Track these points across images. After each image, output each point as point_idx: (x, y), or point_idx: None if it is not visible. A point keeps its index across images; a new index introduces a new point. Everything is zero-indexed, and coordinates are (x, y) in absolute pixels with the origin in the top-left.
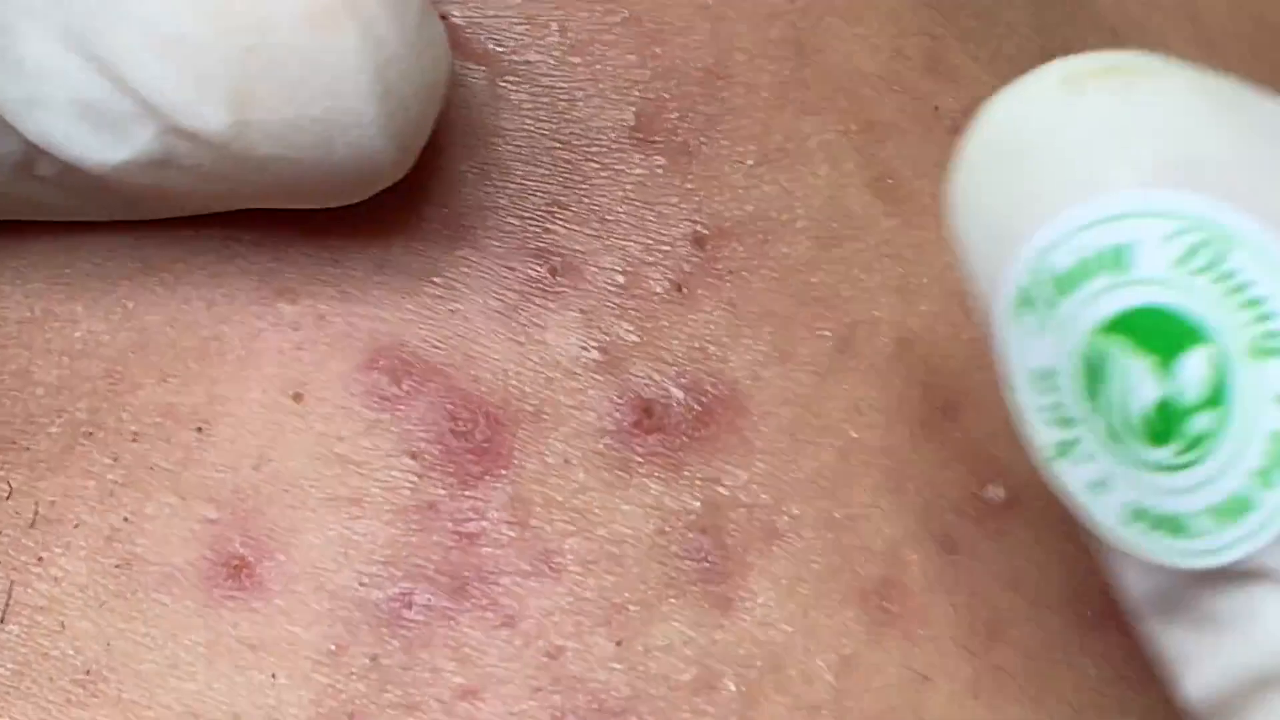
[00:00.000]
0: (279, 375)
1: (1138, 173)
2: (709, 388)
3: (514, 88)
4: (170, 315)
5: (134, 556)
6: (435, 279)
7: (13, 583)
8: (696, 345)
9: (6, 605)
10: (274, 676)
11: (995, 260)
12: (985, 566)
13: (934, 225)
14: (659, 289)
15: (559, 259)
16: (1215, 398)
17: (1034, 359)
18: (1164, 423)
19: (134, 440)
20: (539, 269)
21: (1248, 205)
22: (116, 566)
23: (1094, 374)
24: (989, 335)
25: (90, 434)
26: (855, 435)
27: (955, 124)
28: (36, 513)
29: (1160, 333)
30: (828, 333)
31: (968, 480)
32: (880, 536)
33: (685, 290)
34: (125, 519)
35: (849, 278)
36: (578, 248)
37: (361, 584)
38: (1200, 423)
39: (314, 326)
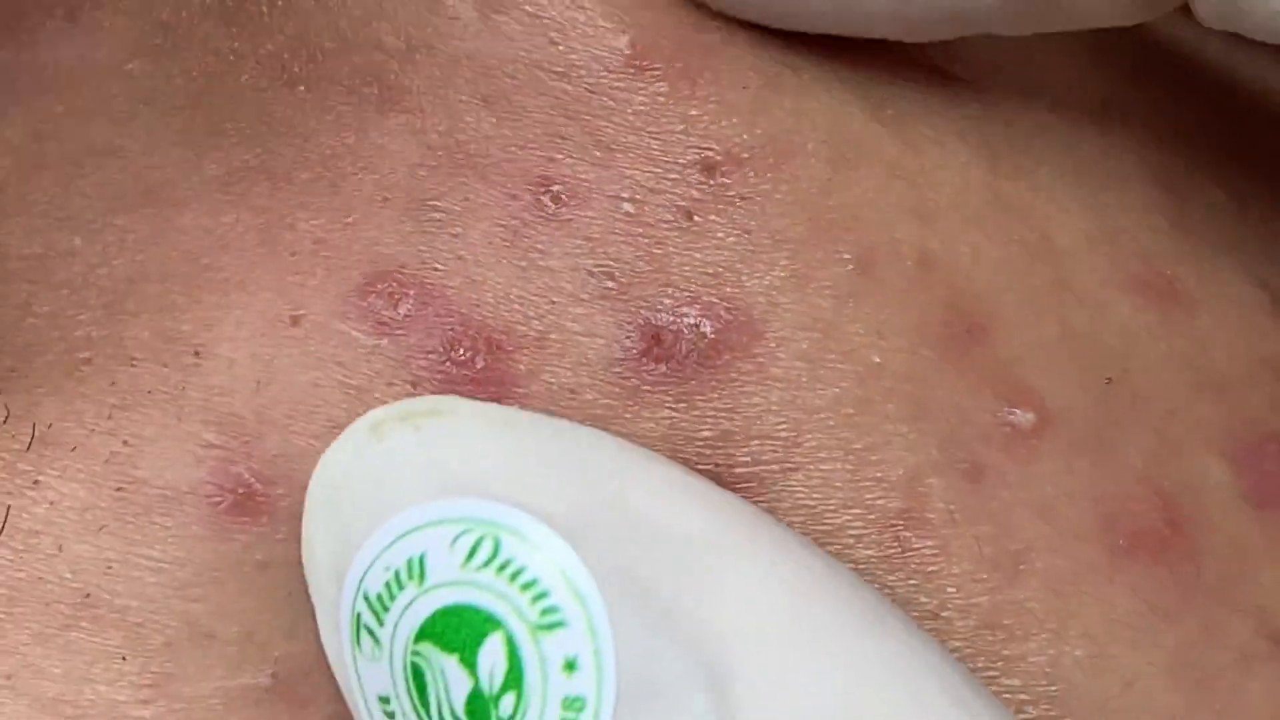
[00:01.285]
0: (276, 299)
1: (426, 491)
2: (722, 314)
3: (505, 20)
4: (169, 244)
5: (134, 480)
6: (437, 204)
7: (9, 508)
8: (709, 271)
9: (0, 529)
10: (289, 594)
11: (333, 598)
12: (1011, 495)
13: (938, 153)
14: (668, 216)
15: (562, 187)
16: (512, 680)
17: (375, 685)
18: (478, 713)
19: (132, 365)
20: (543, 197)
21: (515, 498)
22: (117, 490)
23: (419, 683)
24: (343, 675)
25: (89, 360)
26: (877, 360)
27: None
28: (34, 436)
29: (459, 630)
30: (847, 255)
31: (995, 405)
32: (902, 466)
33: (696, 218)
34: (124, 442)
35: (865, 200)
36: (582, 176)
37: None
38: (505, 706)
39: (312, 252)
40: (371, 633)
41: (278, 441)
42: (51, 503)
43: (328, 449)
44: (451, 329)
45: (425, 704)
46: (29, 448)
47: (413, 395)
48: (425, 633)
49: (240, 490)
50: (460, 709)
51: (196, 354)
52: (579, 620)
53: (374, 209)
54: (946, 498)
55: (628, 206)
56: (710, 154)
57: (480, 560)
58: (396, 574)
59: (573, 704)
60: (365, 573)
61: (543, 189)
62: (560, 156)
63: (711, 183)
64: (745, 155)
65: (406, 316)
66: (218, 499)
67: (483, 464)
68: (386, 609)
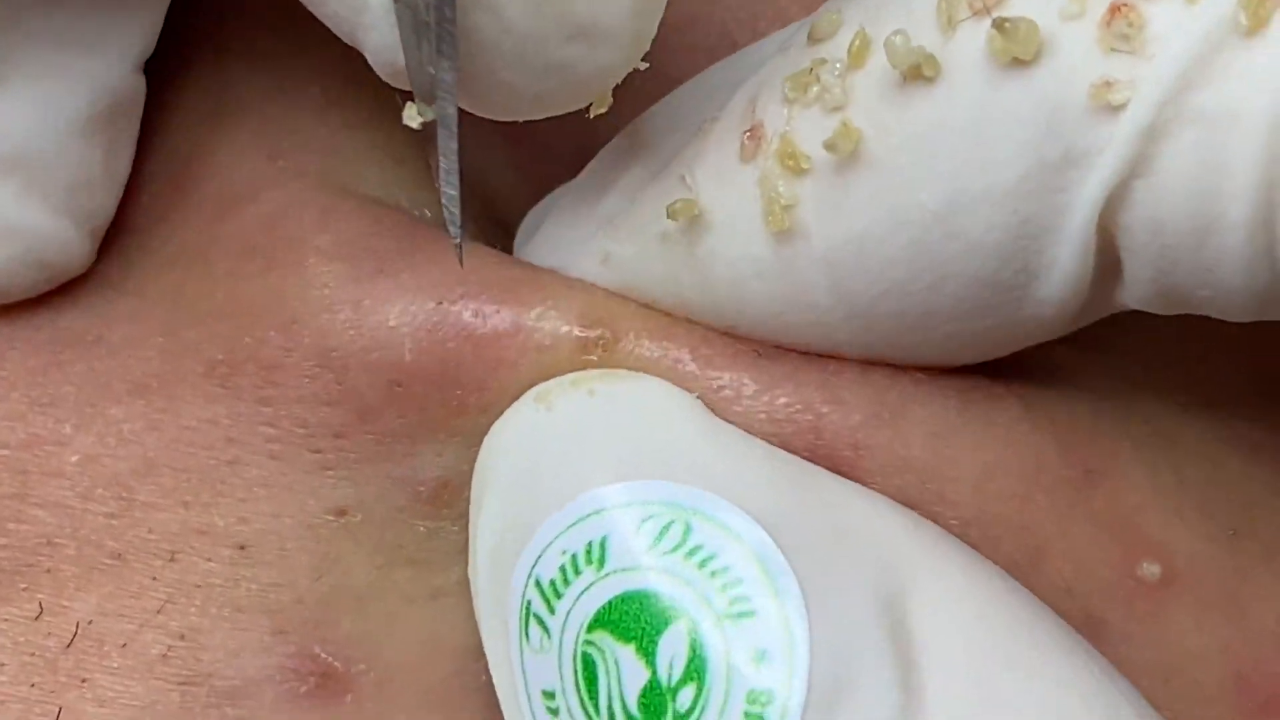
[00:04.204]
0: (314, 494)
1: (607, 470)
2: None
3: None
4: (172, 438)
5: (199, 674)
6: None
7: (60, 708)
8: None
9: None
10: None
11: (498, 589)
12: (1134, 653)
13: None
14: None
15: None
16: (693, 671)
17: (540, 679)
18: (652, 707)
19: (171, 560)
20: None
21: (707, 482)
22: (181, 685)
23: (590, 675)
24: (505, 673)
25: (118, 554)
26: (985, 506)
27: None
28: (76, 633)
29: (640, 618)
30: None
31: (1118, 557)
32: None
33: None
34: (180, 636)
35: None
36: None
37: (457, 674)
38: (683, 699)
39: (335, 448)
40: (541, 622)
41: (350, 621)
42: (103, 702)
43: (496, 426)
44: None
45: (594, 697)
46: (70, 644)
47: None
48: (600, 620)
49: (319, 671)
50: (633, 703)
51: (241, 548)
52: (772, 611)
53: (387, 399)
54: None
55: None
56: None
57: (668, 545)
58: (574, 558)
59: (759, 698)
60: (539, 557)
61: None
62: None
63: None
64: None
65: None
66: (297, 684)
67: (670, 441)
68: (560, 595)
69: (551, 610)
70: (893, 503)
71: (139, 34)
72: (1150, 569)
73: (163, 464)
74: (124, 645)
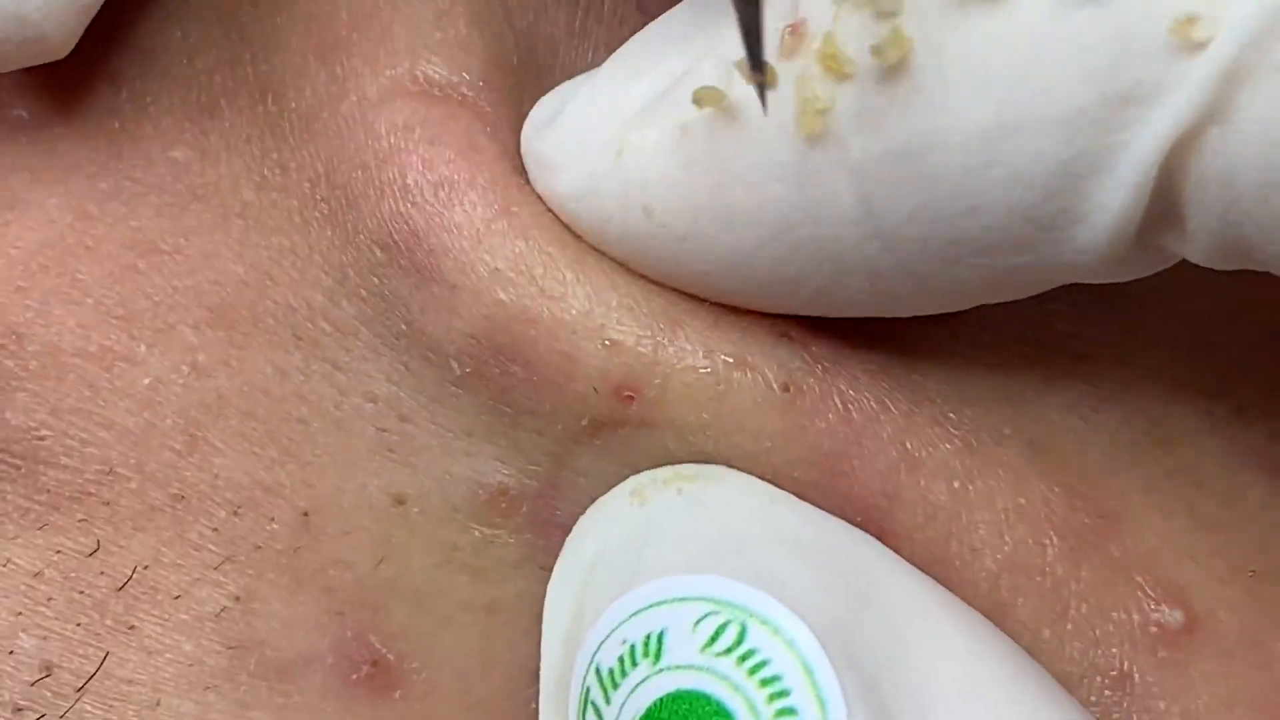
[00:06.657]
0: (376, 475)
1: (674, 562)
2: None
3: None
4: (245, 380)
5: (251, 641)
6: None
7: (106, 654)
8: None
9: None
10: None
11: (562, 670)
12: (1164, 705)
13: None
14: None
15: None
16: None
17: None
18: None
19: (235, 514)
20: None
21: (769, 584)
22: (230, 648)
23: None
24: None
25: (181, 497)
26: (1009, 556)
27: None
28: (131, 576)
29: (687, 719)
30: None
31: (1138, 603)
32: None
33: (791, 390)
34: (236, 598)
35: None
36: None
37: (508, 694)
38: None
39: (400, 430)
40: (598, 712)
41: (406, 616)
42: (150, 652)
43: (589, 513)
44: None
45: None
46: (122, 587)
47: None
48: (650, 717)
49: (370, 661)
50: None
51: (305, 515)
52: None
53: (449, 390)
54: (1090, 707)
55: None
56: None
57: (722, 646)
58: (632, 649)
59: None
60: (601, 644)
61: None
62: None
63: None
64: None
65: (527, 517)
66: (349, 670)
67: (742, 540)
68: (616, 686)
69: (608, 700)
70: (951, 599)
71: None
72: (1172, 615)
73: (234, 405)
74: (177, 597)
